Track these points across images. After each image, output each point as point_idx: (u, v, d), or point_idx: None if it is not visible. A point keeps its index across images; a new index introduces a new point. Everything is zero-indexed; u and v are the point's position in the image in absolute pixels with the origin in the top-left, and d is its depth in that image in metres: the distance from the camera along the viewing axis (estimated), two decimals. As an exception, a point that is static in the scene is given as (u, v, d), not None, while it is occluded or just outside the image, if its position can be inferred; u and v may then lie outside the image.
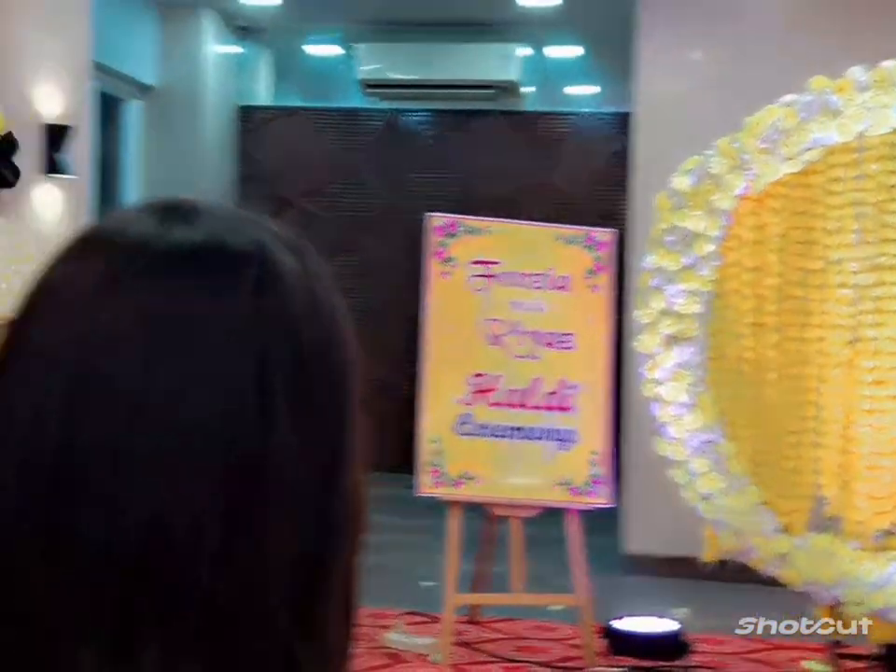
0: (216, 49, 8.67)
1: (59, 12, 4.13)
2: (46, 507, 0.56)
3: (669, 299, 4.53)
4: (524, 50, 8.87)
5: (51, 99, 4.09)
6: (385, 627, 4.93)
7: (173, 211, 0.63)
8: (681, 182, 4.54)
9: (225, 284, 0.60)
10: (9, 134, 2.37)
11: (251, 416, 0.58)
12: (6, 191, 3.92)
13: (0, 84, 3.88)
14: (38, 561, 0.56)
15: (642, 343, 4.56)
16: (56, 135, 4.04)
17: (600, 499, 4.82)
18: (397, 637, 4.82)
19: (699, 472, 4.48)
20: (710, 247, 4.53)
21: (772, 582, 4.55)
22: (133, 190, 8.38)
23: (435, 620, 4.83)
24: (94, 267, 0.60)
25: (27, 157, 4.01)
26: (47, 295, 0.61)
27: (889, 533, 4.52)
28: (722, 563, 4.59)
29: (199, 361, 0.58)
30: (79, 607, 0.56)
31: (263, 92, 9.60)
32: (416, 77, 8.83)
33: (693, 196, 4.52)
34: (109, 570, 0.56)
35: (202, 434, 0.57)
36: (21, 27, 3.90)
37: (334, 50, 9.51)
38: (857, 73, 4.47)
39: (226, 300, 0.59)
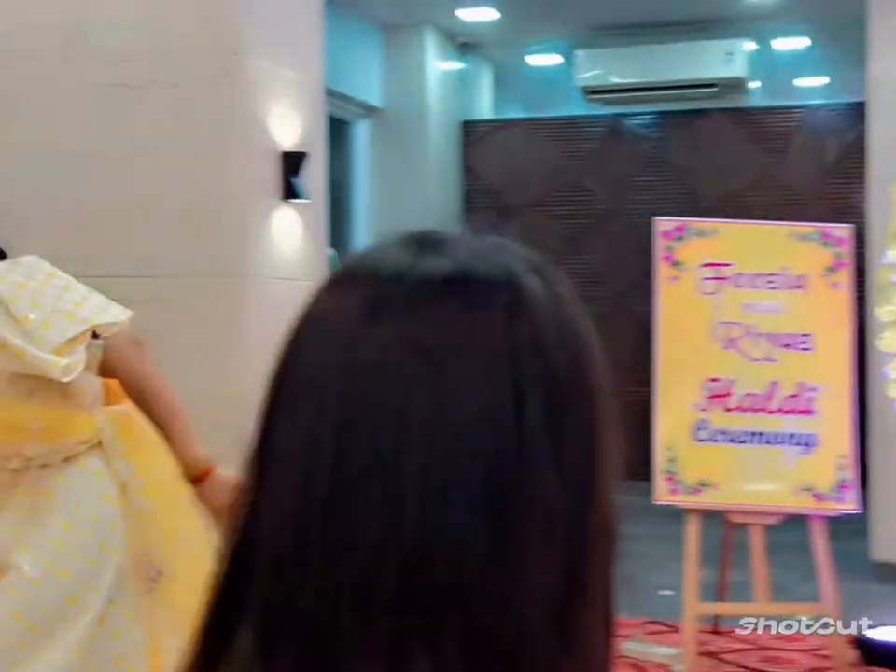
0: (438, 66, 8.84)
1: (293, 44, 4.29)
2: (323, 524, 0.60)
3: (914, 295, 4.40)
4: (748, 45, 8.72)
5: (288, 127, 4.24)
6: (624, 637, 4.91)
7: (423, 242, 0.66)
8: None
9: (478, 311, 0.62)
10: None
11: (509, 436, 0.60)
12: (244, 218, 4.08)
13: (241, 115, 4.04)
14: (317, 571, 0.60)
15: (885, 341, 4.45)
16: (292, 162, 4.18)
17: (847, 505, 4.67)
18: (636, 647, 4.79)
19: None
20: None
21: None
22: (363, 209, 8.63)
23: (674, 629, 4.79)
24: (356, 299, 0.63)
25: (266, 183, 4.17)
26: (313, 325, 0.65)
27: None
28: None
29: (457, 385, 0.61)
30: (350, 615, 0.59)
31: (485, 106, 9.73)
32: (638, 80, 8.81)
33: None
34: (380, 579, 0.59)
35: (464, 454, 0.60)
36: (257, 60, 4.06)
37: (554, 59, 9.56)
38: None
39: (480, 326, 0.62)
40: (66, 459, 2.57)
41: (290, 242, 4.29)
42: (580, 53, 8.93)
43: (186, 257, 4.05)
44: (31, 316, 2.44)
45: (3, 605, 2.52)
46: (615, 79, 8.86)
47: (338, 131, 8.22)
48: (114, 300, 2.58)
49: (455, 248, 0.65)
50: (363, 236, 8.58)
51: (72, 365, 2.44)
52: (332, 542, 0.60)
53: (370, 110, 8.64)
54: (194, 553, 2.61)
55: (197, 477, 2.61)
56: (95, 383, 2.62)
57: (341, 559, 0.60)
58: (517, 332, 0.62)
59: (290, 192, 4.19)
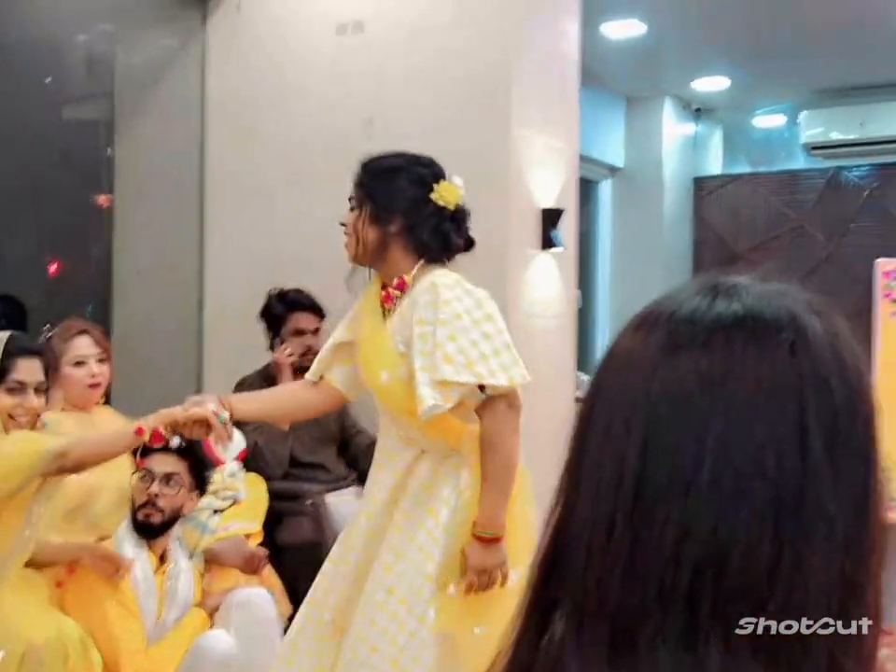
0: (673, 129, 8.82)
1: (554, 117, 4.38)
2: (630, 525, 0.63)
3: None
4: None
5: (548, 188, 4.34)
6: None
7: (717, 288, 0.68)
8: None
9: (764, 347, 0.64)
10: (461, 206, 2.58)
11: (793, 459, 0.61)
12: (509, 263, 4.17)
13: (504, 177, 4.14)
14: (624, 564, 0.63)
15: None
16: (551, 217, 4.27)
17: None
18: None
19: None
20: None
21: None
22: (606, 256, 8.67)
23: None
24: (658, 337, 0.66)
25: (528, 236, 4.27)
26: (619, 360, 0.68)
27: None
28: None
29: (746, 412, 0.62)
30: (652, 603, 0.61)
31: (715, 163, 9.61)
32: (856, 136, 8.52)
33: None
34: (677, 574, 0.61)
35: (752, 473, 0.61)
36: (525, 131, 4.18)
37: (778, 120, 9.37)
38: None
39: (766, 361, 0.63)
40: None
41: (547, 284, 4.37)
42: (803, 113, 8.74)
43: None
44: (446, 346, 2.37)
45: None
46: (836, 135, 8.61)
47: (586, 189, 8.32)
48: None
49: (744, 293, 0.67)
50: (605, 280, 8.64)
51: (437, 407, 2.37)
52: (637, 541, 0.62)
53: (613, 170, 8.70)
54: None
55: (480, 537, 2.45)
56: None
57: (644, 555, 0.62)
58: (800, 368, 0.63)
59: (548, 243, 4.27)
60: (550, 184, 4.32)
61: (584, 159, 7.73)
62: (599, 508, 0.64)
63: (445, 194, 2.54)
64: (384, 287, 2.59)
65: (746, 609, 0.60)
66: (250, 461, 3.89)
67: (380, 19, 4.42)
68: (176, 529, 3.38)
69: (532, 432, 3.93)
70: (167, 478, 3.26)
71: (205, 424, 2.49)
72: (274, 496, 3.86)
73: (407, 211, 2.52)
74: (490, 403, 2.46)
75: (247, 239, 4.66)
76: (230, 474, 3.71)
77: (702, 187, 9.23)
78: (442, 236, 2.54)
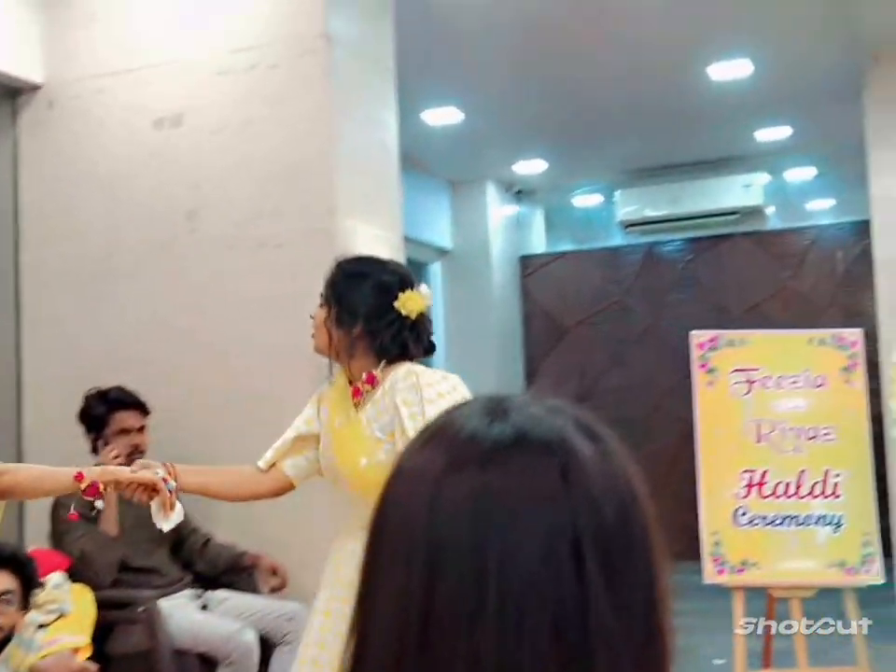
0: (497, 210, 9.02)
1: (377, 204, 4.41)
2: (417, 663, 0.61)
3: (921, 387, 4.35)
4: (763, 178, 8.77)
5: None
6: (686, 702, 4.82)
7: (494, 410, 0.68)
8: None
9: (536, 470, 0.64)
10: (424, 315, 2.56)
11: (570, 579, 0.60)
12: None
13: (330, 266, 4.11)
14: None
15: (899, 430, 4.38)
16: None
17: (874, 577, 4.59)
18: (698, 711, 4.69)
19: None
20: (956, 337, 4.34)
21: None
22: (439, 334, 8.73)
23: (731, 694, 4.68)
24: (440, 456, 0.66)
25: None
26: (402, 479, 0.67)
27: None
28: None
29: (522, 535, 0.61)
30: None
31: (539, 242, 9.87)
32: (669, 213, 8.88)
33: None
34: None
35: (532, 601, 0.60)
36: (343, 218, 4.19)
37: (595, 199, 9.71)
38: None
39: (537, 483, 0.63)
40: None
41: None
42: (618, 193, 9.07)
43: (306, 387, 4.13)
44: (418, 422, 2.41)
45: None
46: (649, 213, 8.95)
47: (416, 271, 8.38)
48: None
49: (518, 415, 0.67)
50: (440, 356, 8.70)
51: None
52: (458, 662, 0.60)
53: (442, 252, 8.81)
54: None
55: None
56: None
57: None
58: (569, 489, 0.63)
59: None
60: (375, 269, 4.32)
61: (413, 241, 7.83)
62: (388, 645, 0.62)
63: (408, 303, 2.59)
64: (350, 381, 2.65)
65: None
66: (77, 570, 3.70)
67: (197, 113, 4.37)
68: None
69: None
70: (2, 596, 3.10)
71: (151, 489, 2.47)
72: (104, 605, 3.66)
73: (368, 317, 2.58)
74: None
75: (68, 337, 4.49)
76: (54, 585, 3.52)
77: (528, 265, 9.45)
78: (401, 343, 2.59)
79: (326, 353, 2.66)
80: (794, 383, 4.79)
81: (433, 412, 2.35)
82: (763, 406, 4.76)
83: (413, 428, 2.42)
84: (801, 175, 9.14)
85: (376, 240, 4.30)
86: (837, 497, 4.64)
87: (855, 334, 4.85)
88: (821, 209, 9.64)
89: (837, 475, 4.65)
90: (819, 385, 4.78)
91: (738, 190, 8.65)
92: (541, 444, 0.65)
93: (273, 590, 3.94)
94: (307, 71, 4.22)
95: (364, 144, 4.37)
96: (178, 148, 4.40)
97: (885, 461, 5.61)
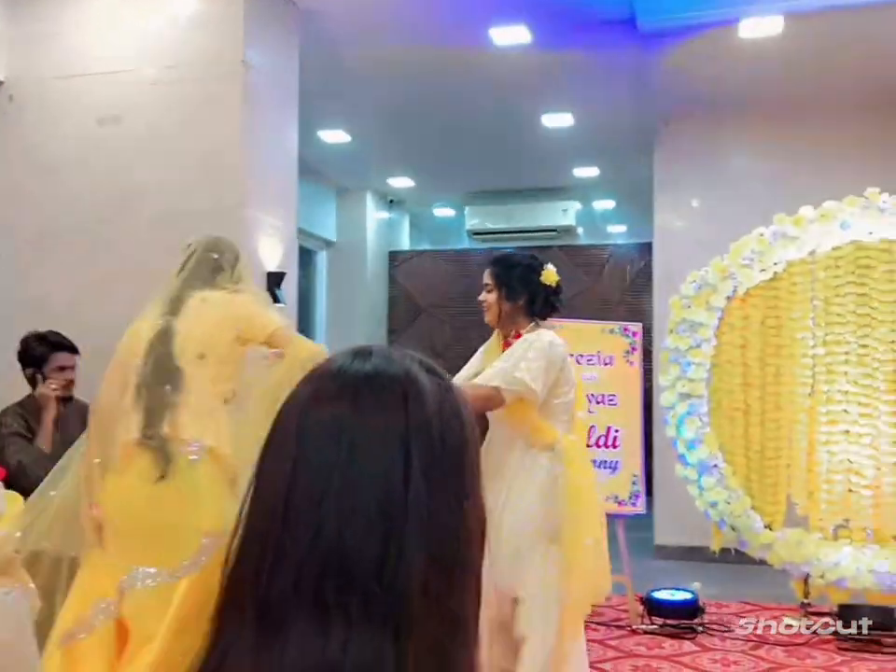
0: (373, 214, 8.93)
1: (276, 200, 4.31)
2: (279, 532, 0.62)
3: (682, 368, 4.51)
4: (576, 205, 8.93)
5: (272, 255, 4.24)
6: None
7: (359, 352, 0.69)
8: (688, 288, 4.54)
9: (383, 397, 0.65)
10: (559, 283, 2.86)
11: (398, 478, 0.62)
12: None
13: (241, 246, 4.01)
14: (273, 561, 0.62)
15: (664, 399, 4.54)
16: (275, 278, 4.18)
17: (639, 508, 4.76)
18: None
19: (707, 487, 4.41)
20: (709, 333, 4.51)
21: (760, 563, 4.43)
22: (323, 311, 8.61)
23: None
24: (312, 385, 0.67)
25: (257, 292, 4.15)
26: (292, 400, 0.67)
27: (841, 527, 4.38)
28: (725, 550, 4.50)
29: (365, 439, 0.63)
30: (291, 589, 0.61)
31: (404, 241, 9.83)
32: (506, 226, 8.96)
33: (697, 298, 4.51)
34: (311, 567, 0.61)
35: (369, 489, 0.62)
36: (253, 211, 4.08)
37: (450, 212, 9.72)
38: (807, 211, 4.44)
39: (385, 407, 0.64)
40: None
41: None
42: (467, 208, 9.10)
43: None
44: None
45: None
46: (490, 225, 9.02)
47: (308, 257, 8.25)
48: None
49: (376, 357, 0.68)
50: (322, 330, 8.58)
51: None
52: (284, 540, 0.62)
53: (328, 244, 8.68)
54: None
55: None
56: None
57: (288, 551, 0.62)
58: (408, 409, 0.64)
59: (273, 299, 4.17)
60: (273, 253, 4.22)
61: (305, 233, 7.69)
62: (263, 519, 0.63)
63: (548, 277, 2.85)
64: (505, 338, 2.86)
65: (361, 593, 0.60)
66: (13, 479, 3.48)
67: (134, 114, 4.18)
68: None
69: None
70: None
71: None
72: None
73: (528, 291, 2.81)
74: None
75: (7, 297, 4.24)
76: (-9, 491, 3.30)
77: (395, 259, 9.40)
78: (549, 305, 2.84)
79: (496, 325, 2.86)
80: (590, 360, 4.90)
81: (520, 371, 2.62)
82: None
83: (488, 373, 2.65)
84: (604, 205, 9.35)
85: (275, 228, 4.20)
86: (616, 447, 4.79)
87: (636, 326, 5.00)
88: (618, 232, 9.88)
89: (617, 431, 4.79)
90: (608, 363, 4.90)
91: (558, 213, 8.77)
92: (390, 376, 0.66)
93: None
94: (226, 89, 4.08)
95: (269, 152, 4.25)
96: (117, 143, 4.19)
97: (652, 422, 5.81)
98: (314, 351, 2.47)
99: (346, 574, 0.60)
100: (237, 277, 2.63)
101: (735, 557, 4.59)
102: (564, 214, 8.76)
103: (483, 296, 2.89)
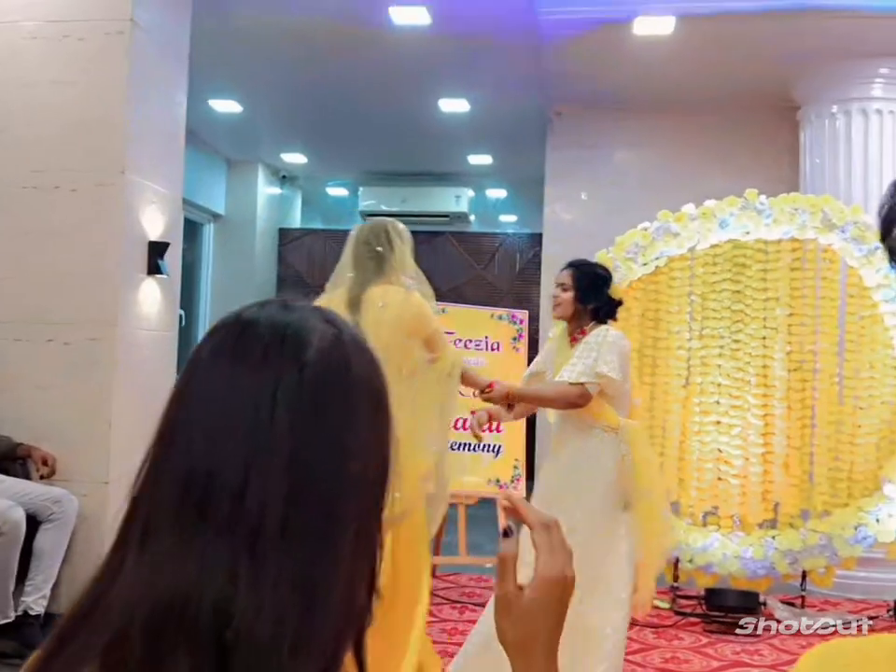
0: (264, 189, 8.73)
1: (162, 167, 4.15)
2: (163, 448, 0.65)
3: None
4: (470, 192, 8.98)
5: (155, 224, 4.09)
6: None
7: (262, 302, 0.71)
8: (574, 279, 4.62)
9: (267, 338, 0.66)
10: (621, 299, 3.27)
11: (266, 414, 0.63)
12: (120, 285, 3.88)
13: (118, 213, 3.88)
14: (153, 477, 0.65)
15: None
16: (158, 248, 4.03)
17: (519, 492, 4.83)
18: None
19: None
20: (592, 323, 4.60)
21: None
22: (209, 286, 8.37)
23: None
24: (210, 329, 0.69)
25: (137, 263, 4.00)
26: (194, 353, 0.69)
27: (710, 514, 4.56)
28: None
29: (243, 381, 0.65)
30: (169, 506, 0.63)
31: (296, 218, 9.66)
32: (399, 209, 8.90)
33: (582, 289, 4.60)
34: (191, 484, 0.62)
35: (238, 418, 0.63)
36: (136, 177, 3.91)
37: (343, 191, 9.61)
38: (689, 208, 4.59)
39: (265, 347, 0.66)
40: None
41: (153, 304, 4.11)
42: (361, 189, 9.01)
43: (77, 309, 3.82)
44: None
45: None
46: (384, 207, 8.94)
47: (193, 229, 7.99)
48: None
49: (274, 304, 0.70)
50: (207, 304, 8.34)
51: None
52: (166, 458, 0.64)
53: (216, 216, 8.43)
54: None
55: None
56: None
57: (168, 468, 0.64)
58: (285, 355, 0.65)
59: (155, 270, 4.03)
60: (157, 222, 4.05)
61: (192, 205, 7.44)
62: (155, 437, 0.66)
63: (615, 292, 3.23)
64: (570, 333, 3.18)
65: (222, 514, 0.61)
66: None
67: (12, 67, 3.91)
68: None
69: (140, 419, 3.71)
70: None
71: None
72: None
73: (598, 299, 3.16)
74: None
75: None
76: None
77: (285, 236, 9.22)
78: (612, 313, 3.20)
79: (566, 318, 3.19)
80: (478, 345, 4.95)
81: (601, 364, 2.96)
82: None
83: (573, 372, 2.98)
84: (497, 193, 9.44)
85: (158, 196, 4.03)
86: (500, 431, 4.85)
87: (523, 314, 5.08)
88: (509, 221, 9.99)
89: (501, 416, 4.86)
90: (495, 349, 4.97)
91: (451, 199, 8.79)
92: (278, 320, 0.67)
93: (43, 477, 3.63)
94: (112, 48, 3.87)
95: (155, 116, 4.07)
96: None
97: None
98: (457, 356, 3.18)
99: (207, 493, 0.62)
100: (399, 264, 3.17)
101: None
102: (457, 200, 8.78)
103: (557, 292, 3.21)
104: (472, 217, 9.27)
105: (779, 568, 4.34)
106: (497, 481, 4.79)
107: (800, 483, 4.47)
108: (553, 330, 3.69)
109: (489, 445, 4.82)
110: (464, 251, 9.00)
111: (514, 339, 4.98)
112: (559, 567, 0.73)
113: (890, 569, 4.64)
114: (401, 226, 3.30)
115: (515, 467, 4.81)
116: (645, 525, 2.99)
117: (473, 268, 8.92)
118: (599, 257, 4.57)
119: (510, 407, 3.09)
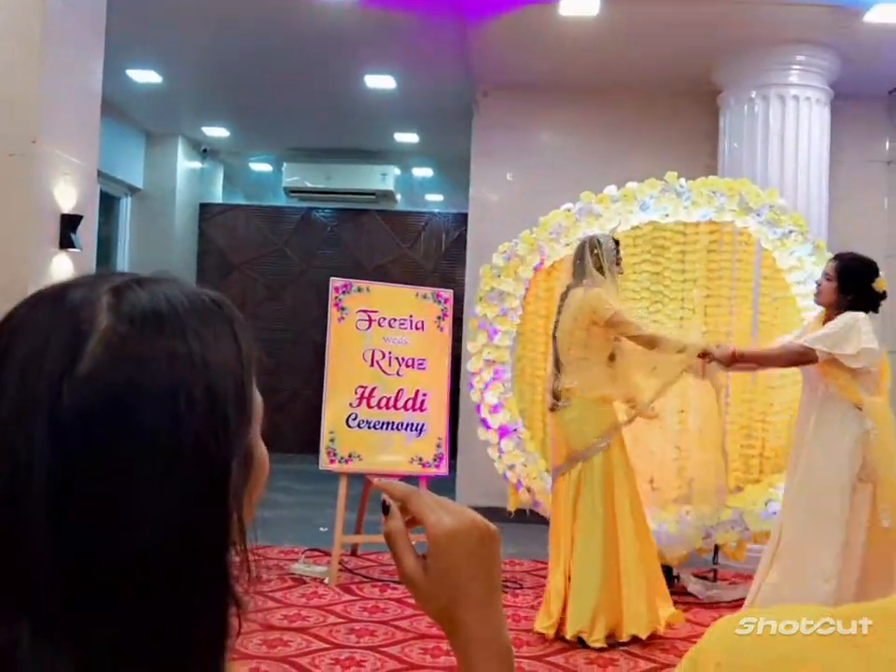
0: (185, 163, 8.53)
1: (76, 138, 4.02)
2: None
3: (489, 336, 4.64)
4: (396, 170, 8.93)
5: (68, 196, 3.97)
6: (292, 560, 4.89)
7: (101, 273, 0.59)
8: (498, 259, 4.63)
9: (144, 323, 0.54)
10: (885, 292, 3.44)
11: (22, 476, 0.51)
12: (32, 259, 3.76)
13: (28, 184, 3.75)
14: None
15: (471, 364, 4.66)
16: (70, 222, 3.91)
17: (441, 471, 4.88)
18: (300, 567, 4.77)
19: (506, 450, 4.58)
20: (516, 302, 4.65)
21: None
22: (125, 262, 8.15)
23: (328, 554, 4.77)
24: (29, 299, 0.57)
25: (48, 236, 3.88)
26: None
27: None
28: (521, 511, 4.67)
29: (30, 337, 0.53)
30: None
31: (217, 193, 9.48)
32: (324, 186, 8.84)
33: (506, 268, 4.62)
34: (52, 457, 0.50)
35: (31, 388, 0.52)
36: (47, 147, 3.78)
37: (267, 167, 9.46)
38: (611, 190, 4.66)
39: (72, 318, 0.53)
40: None
41: (65, 278, 3.98)
42: (285, 164, 8.89)
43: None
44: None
45: None
46: (308, 184, 8.86)
47: (109, 203, 7.77)
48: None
49: (119, 277, 0.57)
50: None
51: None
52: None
53: (133, 190, 8.20)
54: None
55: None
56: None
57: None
58: (55, 371, 0.52)
59: (68, 244, 3.91)
60: (70, 194, 3.93)
61: (108, 177, 7.22)
62: None
63: (879, 284, 3.40)
64: (826, 319, 3.43)
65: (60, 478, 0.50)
66: None
67: None
68: None
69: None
70: None
71: None
72: None
73: (860, 292, 3.38)
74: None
75: None
76: None
77: (207, 211, 9.04)
78: (872, 305, 3.41)
79: (825, 306, 3.44)
80: (402, 324, 4.94)
81: (843, 343, 3.28)
82: (378, 339, 4.88)
83: (813, 336, 3.34)
84: (423, 172, 9.41)
85: (71, 167, 3.91)
86: (423, 410, 4.87)
87: (448, 293, 5.09)
88: (435, 200, 9.98)
89: (425, 394, 4.88)
90: (419, 328, 4.97)
91: (377, 177, 8.73)
92: (41, 330, 0.53)
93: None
94: (24, 15, 3.72)
95: (69, 85, 3.93)
96: None
97: (459, 387, 5.95)
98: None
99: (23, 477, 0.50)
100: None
101: (529, 517, 4.76)
102: (383, 178, 8.74)
103: (821, 280, 3.46)
104: (398, 196, 9.23)
105: (694, 543, 4.49)
106: (420, 459, 4.82)
107: (714, 459, 4.63)
108: (813, 314, 3.97)
109: (412, 424, 4.85)
110: (389, 230, 8.98)
111: (439, 318, 5.00)
112: (453, 520, 0.66)
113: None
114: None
115: (438, 445, 4.85)
116: (892, 495, 3.26)
117: (399, 246, 8.90)
118: (523, 237, 4.61)
119: (730, 366, 3.55)
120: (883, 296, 3.45)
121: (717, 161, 5.77)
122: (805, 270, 4.56)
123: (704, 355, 3.66)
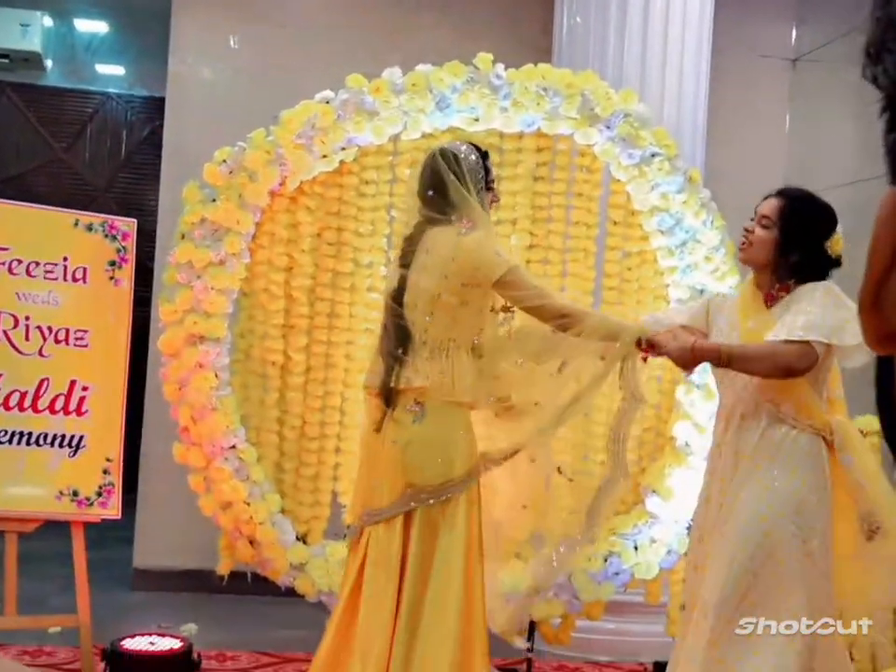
0: None
1: None
2: None
3: (196, 296, 4.52)
4: (46, 20, 8.57)
5: None
6: None
7: None
8: (213, 173, 4.54)
9: None
10: (840, 257, 3.52)
11: None
12: None
13: None
14: None
15: (165, 342, 4.52)
16: None
17: (110, 511, 4.69)
18: None
19: (219, 479, 4.49)
20: (241, 244, 4.56)
21: (289, 593, 4.62)
22: None
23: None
24: None
25: None
26: None
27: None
28: (239, 575, 4.63)
29: None
30: None
31: None
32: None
33: (226, 188, 4.54)
34: None
35: None
36: None
37: None
38: (393, 74, 4.64)
39: None
40: None
41: None
42: None
43: None
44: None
45: None
46: None
47: None
48: None
49: None
50: None
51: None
52: None
53: None
54: None
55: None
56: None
57: None
58: None
59: None
60: None
61: None
62: None
63: (835, 247, 3.49)
64: (763, 288, 3.57)
65: None
66: None
67: None
68: None
69: None
70: None
71: None
72: None
73: (808, 252, 3.49)
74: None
75: None
76: None
77: None
78: (820, 273, 3.50)
79: (755, 266, 3.57)
80: (49, 272, 4.70)
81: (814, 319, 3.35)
82: (7, 296, 4.61)
83: (796, 322, 3.36)
84: (92, 26, 9.08)
85: None
86: (82, 414, 4.66)
87: (129, 225, 4.89)
88: (112, 74, 9.61)
89: (85, 389, 4.67)
90: (79, 279, 4.75)
91: (13, 29, 8.39)
92: None
93: None
94: None
95: None
96: None
97: (145, 378, 5.77)
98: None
99: None
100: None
101: (251, 586, 4.72)
102: (24, 31, 8.39)
103: (753, 227, 3.54)
104: (48, 63, 8.94)
105: (496, 620, 4.58)
106: (74, 494, 4.60)
107: (533, 495, 4.74)
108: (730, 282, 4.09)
109: (63, 436, 4.62)
110: (33, 117, 8.66)
111: (112, 264, 4.79)
112: None
113: (649, 619, 5.08)
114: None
115: (105, 471, 4.66)
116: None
117: (49, 145, 8.70)
118: (254, 139, 4.51)
119: (690, 368, 3.58)
120: (836, 262, 3.50)
121: (551, 43, 5.91)
122: (672, 212, 4.75)
123: (647, 347, 3.54)
